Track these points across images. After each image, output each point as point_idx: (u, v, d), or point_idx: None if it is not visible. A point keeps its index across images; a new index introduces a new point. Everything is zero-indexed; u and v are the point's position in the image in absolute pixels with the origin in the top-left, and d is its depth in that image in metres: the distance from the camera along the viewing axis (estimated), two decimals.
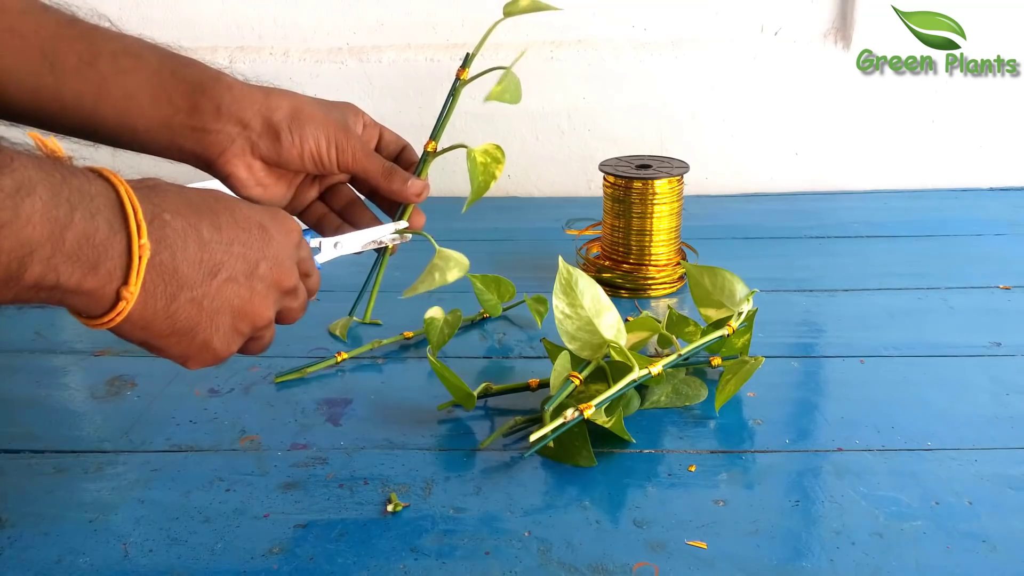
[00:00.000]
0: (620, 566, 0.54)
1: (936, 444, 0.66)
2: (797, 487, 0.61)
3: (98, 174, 0.44)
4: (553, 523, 0.58)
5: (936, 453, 0.65)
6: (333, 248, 0.63)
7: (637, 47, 1.25)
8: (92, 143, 0.58)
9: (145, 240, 0.43)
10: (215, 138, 0.56)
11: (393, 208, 0.67)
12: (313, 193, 0.66)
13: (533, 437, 0.62)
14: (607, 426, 0.65)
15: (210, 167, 0.58)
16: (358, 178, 0.64)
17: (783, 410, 0.71)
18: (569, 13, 1.24)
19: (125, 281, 0.43)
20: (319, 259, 0.62)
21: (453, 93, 0.68)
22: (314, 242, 0.62)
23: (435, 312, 0.79)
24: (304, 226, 0.60)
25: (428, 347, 0.76)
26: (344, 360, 0.80)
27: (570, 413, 0.63)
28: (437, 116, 0.69)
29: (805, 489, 0.61)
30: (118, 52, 0.55)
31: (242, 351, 0.54)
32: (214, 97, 0.56)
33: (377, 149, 0.66)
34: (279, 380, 0.74)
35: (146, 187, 0.47)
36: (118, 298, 0.43)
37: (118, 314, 0.43)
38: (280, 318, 0.55)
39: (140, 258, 0.43)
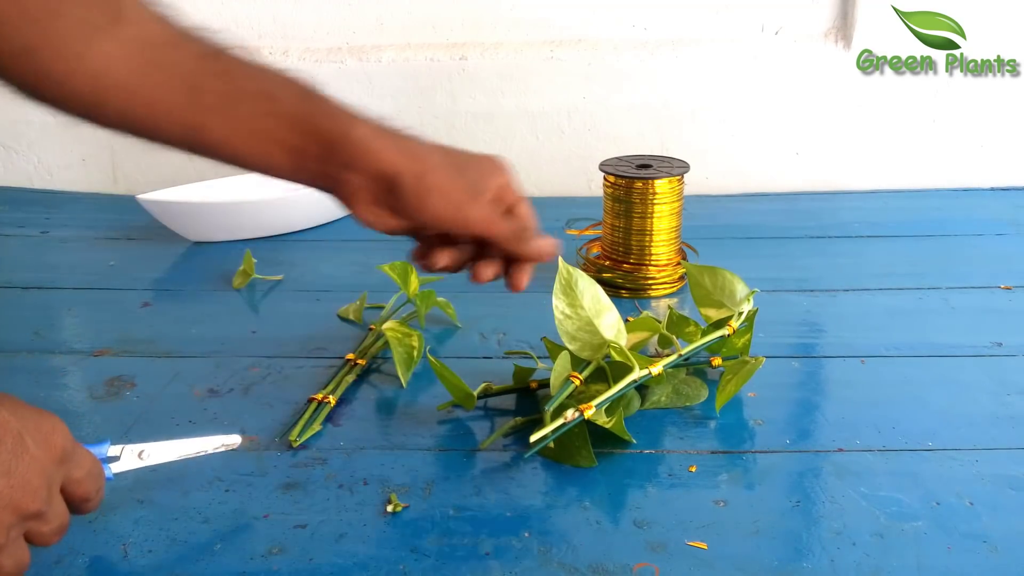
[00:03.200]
0: (620, 566, 0.54)
1: (937, 444, 0.66)
2: (798, 487, 0.61)
3: None
4: (553, 523, 0.58)
5: (937, 453, 0.65)
6: (137, 458, 0.56)
7: (637, 47, 1.25)
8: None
9: None
10: (343, 187, 0.57)
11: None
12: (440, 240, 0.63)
13: (533, 438, 0.62)
14: (607, 427, 0.65)
15: (337, 200, 0.58)
16: (486, 243, 0.61)
17: (784, 410, 0.71)
18: (569, 13, 1.25)
19: None
20: (117, 467, 0.55)
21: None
22: (113, 449, 0.55)
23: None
24: (99, 449, 0.54)
25: (427, 347, 0.76)
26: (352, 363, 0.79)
27: (570, 414, 0.63)
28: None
29: (806, 489, 0.61)
30: (257, 94, 0.55)
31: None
32: (344, 149, 0.56)
33: (507, 216, 0.62)
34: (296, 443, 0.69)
35: None
36: None
37: None
38: (28, 539, 0.47)
39: None
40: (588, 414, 0.63)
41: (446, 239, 0.60)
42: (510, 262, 0.63)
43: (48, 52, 0.52)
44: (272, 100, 0.56)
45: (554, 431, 0.62)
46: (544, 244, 0.62)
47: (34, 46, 0.51)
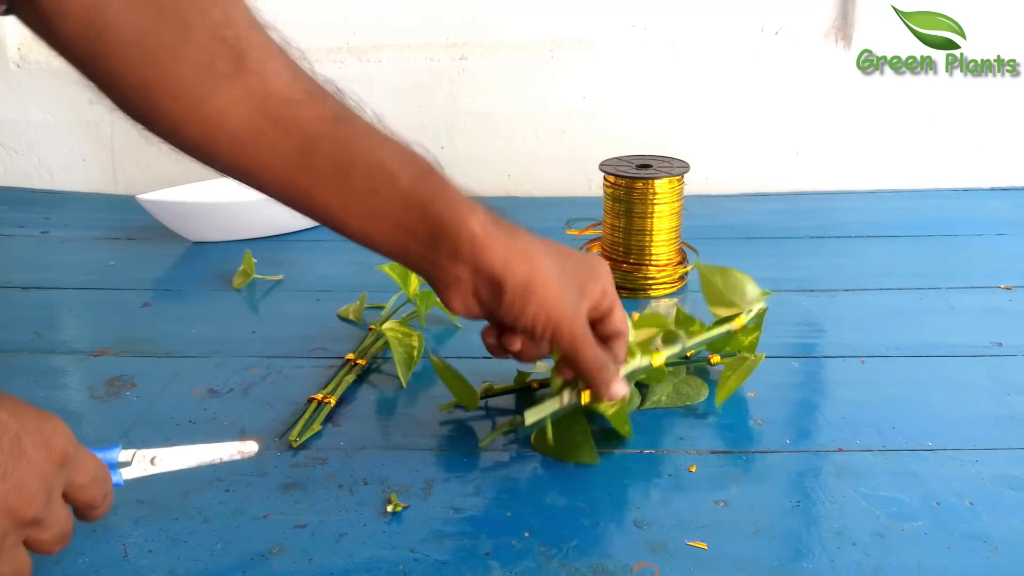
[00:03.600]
0: (620, 566, 0.54)
1: (937, 444, 0.66)
2: (798, 487, 0.61)
3: None
4: (553, 523, 0.58)
5: (937, 453, 0.65)
6: (150, 464, 0.53)
7: (637, 47, 1.25)
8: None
9: None
10: (443, 275, 0.56)
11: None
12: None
13: (529, 416, 0.61)
14: (607, 415, 0.65)
15: (434, 288, 0.58)
16: (568, 363, 0.61)
17: (784, 410, 0.71)
18: (569, 13, 1.25)
19: None
20: (128, 473, 0.52)
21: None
22: (124, 454, 0.52)
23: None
24: (109, 454, 0.52)
25: (429, 348, 0.76)
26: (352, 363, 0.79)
27: (567, 395, 0.63)
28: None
29: (806, 489, 0.61)
30: (373, 168, 0.54)
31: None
32: (453, 240, 0.54)
33: (602, 322, 0.62)
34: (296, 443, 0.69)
35: None
36: None
37: None
38: (28, 547, 0.45)
39: None
40: (586, 398, 0.63)
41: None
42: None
43: (164, 94, 0.50)
44: (388, 177, 0.54)
45: (552, 413, 0.63)
46: (617, 389, 0.61)
47: (150, 86, 0.50)
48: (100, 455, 0.50)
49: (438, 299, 0.84)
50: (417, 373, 0.77)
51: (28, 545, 0.45)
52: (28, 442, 0.43)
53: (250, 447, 0.57)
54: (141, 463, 0.53)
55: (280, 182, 0.54)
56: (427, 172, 0.55)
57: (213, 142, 0.52)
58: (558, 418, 0.64)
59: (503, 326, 0.60)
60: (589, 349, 0.59)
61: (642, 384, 0.74)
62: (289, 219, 1.12)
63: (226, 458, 0.56)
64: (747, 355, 0.72)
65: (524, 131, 1.28)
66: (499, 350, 0.61)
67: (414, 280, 0.84)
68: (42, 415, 0.45)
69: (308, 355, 0.81)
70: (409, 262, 0.57)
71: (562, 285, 0.57)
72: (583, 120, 1.27)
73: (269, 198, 0.56)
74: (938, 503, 0.59)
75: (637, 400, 0.71)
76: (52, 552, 0.46)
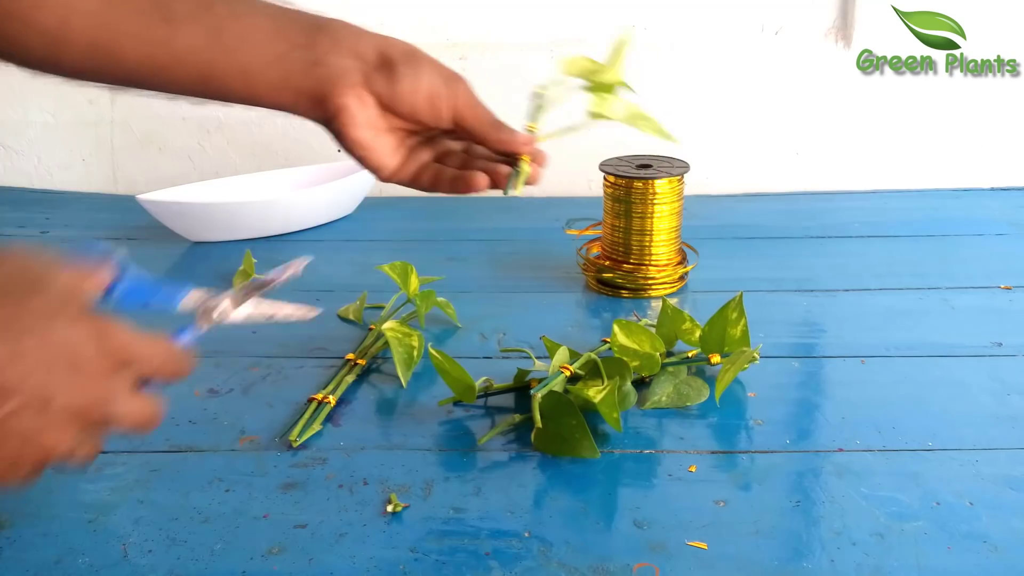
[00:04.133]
0: (620, 566, 0.54)
1: (937, 444, 0.66)
2: (798, 487, 0.61)
3: None
4: (553, 523, 0.58)
5: (937, 453, 0.65)
6: (214, 319, 0.52)
7: (637, 47, 1.24)
8: (202, 101, 0.57)
9: None
10: (330, 71, 0.55)
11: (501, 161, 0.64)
12: (426, 156, 0.63)
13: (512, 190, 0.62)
14: (595, 400, 0.65)
15: (323, 102, 0.56)
16: (465, 126, 0.61)
17: (783, 410, 0.71)
18: (569, 13, 1.25)
19: None
20: (193, 333, 0.51)
21: (537, 103, 0.68)
22: (216, 300, 0.52)
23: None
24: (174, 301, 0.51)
25: (429, 344, 0.76)
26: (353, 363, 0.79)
27: (556, 376, 0.66)
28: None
29: (806, 489, 0.61)
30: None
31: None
32: (331, 31, 0.55)
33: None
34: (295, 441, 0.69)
35: None
36: None
37: None
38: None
39: None
40: (571, 370, 0.66)
41: (424, 150, 0.61)
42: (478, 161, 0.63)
43: None
44: (249, 3, 0.55)
45: (542, 382, 0.66)
46: (523, 133, 0.63)
47: None
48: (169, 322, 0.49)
49: (438, 300, 0.85)
50: (417, 373, 0.77)
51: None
52: (84, 353, 0.43)
53: (311, 311, 0.56)
54: (205, 318, 0.52)
55: (142, 41, 0.54)
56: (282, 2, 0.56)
57: (69, 26, 0.53)
58: (552, 411, 0.65)
59: (397, 112, 0.58)
60: (485, 109, 0.61)
61: (642, 384, 0.74)
62: (289, 219, 1.13)
63: (280, 317, 0.55)
64: (744, 349, 0.72)
65: (523, 131, 1.28)
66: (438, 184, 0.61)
67: (414, 280, 0.84)
68: (96, 323, 0.45)
69: (308, 355, 0.81)
70: (291, 81, 0.55)
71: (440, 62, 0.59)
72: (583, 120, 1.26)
73: (130, 83, 0.55)
74: (938, 503, 0.59)
75: (633, 398, 0.71)
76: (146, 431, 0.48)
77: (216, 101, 0.57)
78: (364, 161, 0.59)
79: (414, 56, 0.58)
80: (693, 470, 0.64)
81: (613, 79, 0.67)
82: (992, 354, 0.79)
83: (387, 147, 0.59)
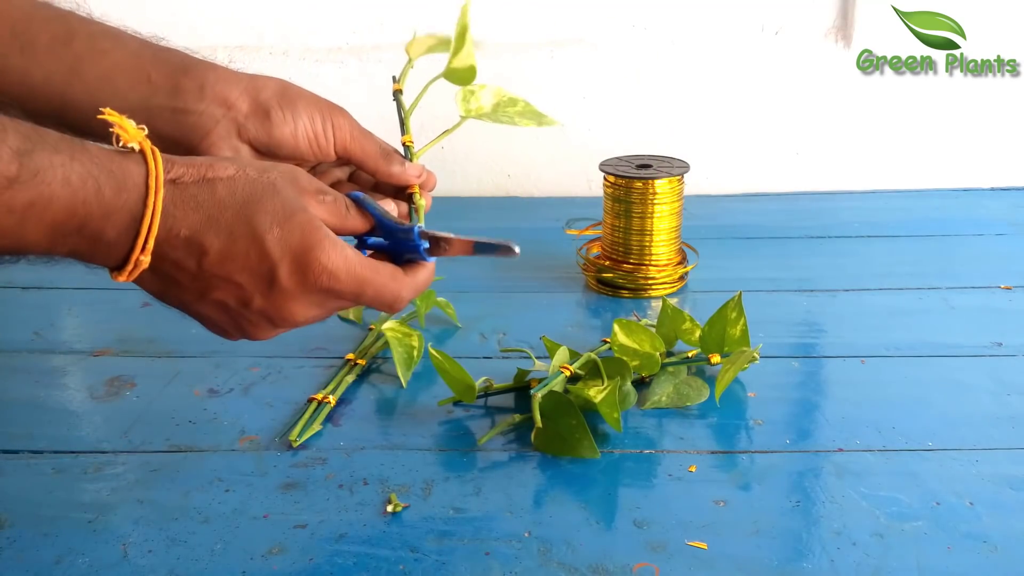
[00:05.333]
0: (620, 566, 0.54)
1: (937, 444, 0.66)
2: (797, 487, 0.61)
3: (144, 163, 0.45)
4: (553, 523, 0.58)
5: (937, 453, 0.65)
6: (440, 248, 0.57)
7: (637, 47, 1.25)
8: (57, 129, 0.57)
9: (146, 257, 0.45)
10: (197, 120, 0.54)
11: (383, 190, 0.64)
12: None
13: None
14: (595, 400, 0.65)
15: (192, 152, 0.55)
16: (353, 160, 0.61)
17: (783, 410, 0.71)
18: (569, 13, 1.25)
19: (120, 269, 0.46)
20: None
21: (398, 104, 0.68)
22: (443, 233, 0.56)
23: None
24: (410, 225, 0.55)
25: (429, 344, 0.76)
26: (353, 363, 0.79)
27: (556, 376, 0.65)
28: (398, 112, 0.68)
29: (805, 489, 0.61)
30: (95, 34, 0.53)
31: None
32: (197, 77, 0.54)
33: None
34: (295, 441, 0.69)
35: (195, 183, 0.46)
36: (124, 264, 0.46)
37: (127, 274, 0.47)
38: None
39: (136, 263, 0.46)
40: (569, 371, 0.66)
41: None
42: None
43: None
44: (113, 39, 0.53)
45: (542, 382, 0.66)
46: (413, 165, 0.62)
47: None
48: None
49: (438, 300, 0.85)
50: (417, 373, 0.77)
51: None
52: (285, 268, 0.48)
53: (515, 248, 0.57)
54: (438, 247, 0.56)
55: None
56: (151, 40, 0.55)
57: None
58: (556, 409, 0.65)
59: (277, 156, 0.58)
60: (372, 140, 0.60)
61: (642, 384, 0.74)
62: None
63: (493, 250, 0.58)
64: (744, 349, 0.72)
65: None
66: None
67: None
68: (308, 235, 0.48)
69: (308, 355, 0.81)
70: (155, 127, 0.52)
71: (315, 94, 0.58)
72: (583, 120, 1.27)
73: None
74: (938, 503, 0.59)
75: (633, 398, 0.71)
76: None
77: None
78: None
79: (287, 96, 0.56)
80: (693, 470, 0.64)
81: (466, 64, 0.65)
82: (992, 354, 0.79)
83: None
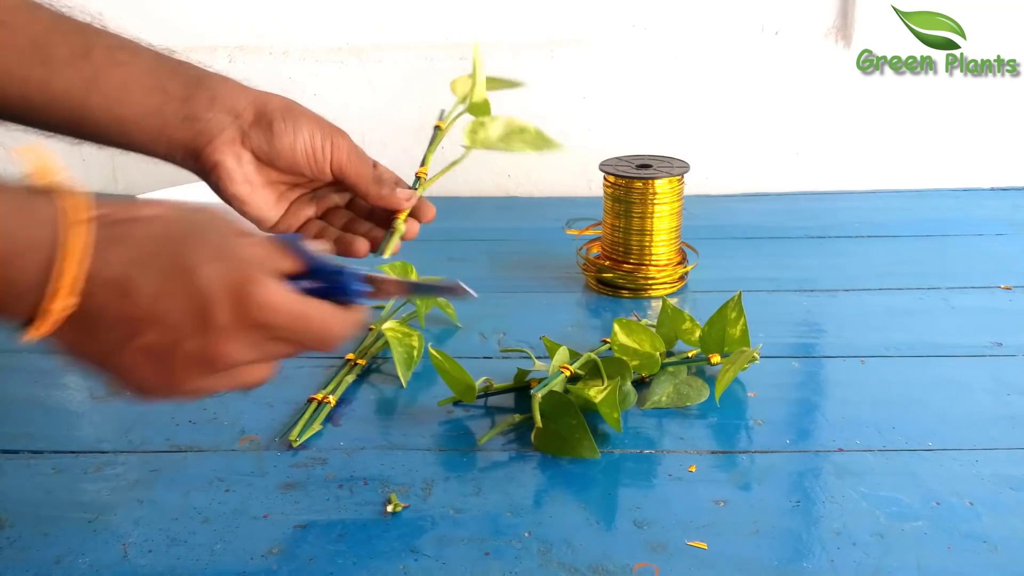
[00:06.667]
0: (620, 566, 0.54)
1: (937, 444, 0.66)
2: (797, 487, 0.61)
3: (62, 200, 0.42)
4: (553, 523, 0.58)
5: (937, 453, 0.65)
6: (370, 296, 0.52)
7: (637, 47, 1.25)
8: (77, 140, 0.57)
9: (73, 299, 0.42)
10: (205, 126, 0.56)
11: (379, 219, 0.64)
12: (310, 211, 0.63)
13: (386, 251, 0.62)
14: (595, 400, 0.65)
15: (198, 157, 0.57)
16: (347, 182, 0.62)
17: (783, 410, 0.71)
18: (569, 13, 1.25)
19: (34, 321, 0.42)
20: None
21: (433, 139, 0.70)
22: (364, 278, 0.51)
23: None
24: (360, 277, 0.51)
25: (429, 344, 0.76)
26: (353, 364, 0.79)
27: (556, 376, 0.66)
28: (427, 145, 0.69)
29: (805, 489, 0.61)
30: (113, 46, 0.55)
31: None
32: (209, 88, 0.56)
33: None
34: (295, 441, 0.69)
35: (123, 221, 0.44)
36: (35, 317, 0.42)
37: (47, 324, 0.42)
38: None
39: (56, 311, 0.42)
40: (570, 371, 0.66)
41: (308, 205, 0.62)
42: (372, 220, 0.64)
43: None
44: (131, 52, 0.55)
45: (542, 382, 0.66)
46: (403, 191, 0.63)
47: None
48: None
49: (438, 300, 0.85)
50: (417, 373, 0.77)
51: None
52: (219, 305, 0.45)
53: (470, 293, 0.52)
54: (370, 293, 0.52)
55: (17, 80, 0.54)
56: (167, 53, 0.57)
57: None
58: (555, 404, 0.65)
59: (276, 167, 0.59)
60: (367, 163, 0.61)
61: (642, 384, 0.74)
62: None
63: (437, 292, 0.56)
64: (744, 349, 0.72)
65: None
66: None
67: (414, 279, 0.84)
68: (246, 272, 0.46)
69: (308, 355, 0.81)
70: (166, 133, 0.56)
71: (319, 115, 0.60)
72: (583, 120, 1.27)
73: (3, 118, 0.55)
74: (938, 503, 0.59)
75: (633, 398, 0.71)
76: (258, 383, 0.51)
77: (92, 143, 0.58)
78: (243, 214, 0.60)
79: (291, 112, 0.58)
80: (693, 470, 0.64)
81: (480, 99, 0.69)
82: (992, 354, 0.79)
83: (266, 201, 0.60)
